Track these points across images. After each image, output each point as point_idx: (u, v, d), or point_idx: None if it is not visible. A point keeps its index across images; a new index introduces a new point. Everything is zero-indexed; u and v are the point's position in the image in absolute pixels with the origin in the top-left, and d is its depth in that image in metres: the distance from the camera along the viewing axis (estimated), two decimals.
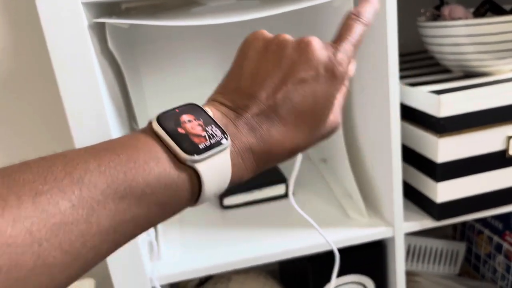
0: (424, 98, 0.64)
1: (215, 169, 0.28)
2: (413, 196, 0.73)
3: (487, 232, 0.94)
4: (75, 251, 0.22)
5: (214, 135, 0.29)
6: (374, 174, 0.73)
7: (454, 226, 1.06)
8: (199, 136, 0.28)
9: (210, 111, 0.31)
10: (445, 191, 0.65)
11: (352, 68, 0.36)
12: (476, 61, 0.67)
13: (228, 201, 0.81)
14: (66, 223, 0.22)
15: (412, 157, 0.70)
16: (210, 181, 0.28)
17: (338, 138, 0.76)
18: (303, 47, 0.33)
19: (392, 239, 0.69)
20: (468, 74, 0.70)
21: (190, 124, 0.29)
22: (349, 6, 0.62)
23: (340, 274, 0.72)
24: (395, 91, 0.62)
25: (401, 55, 0.89)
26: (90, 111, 0.54)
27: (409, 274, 0.95)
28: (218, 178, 0.29)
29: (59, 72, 0.52)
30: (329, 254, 0.72)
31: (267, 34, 0.36)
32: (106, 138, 0.30)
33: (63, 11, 0.50)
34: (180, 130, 0.28)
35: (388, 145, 0.65)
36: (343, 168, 0.77)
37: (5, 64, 0.86)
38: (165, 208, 0.27)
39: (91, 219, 0.23)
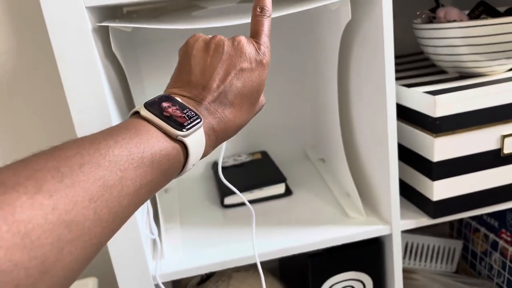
0: (420, 98, 0.66)
1: (196, 143, 0.36)
2: (410, 195, 0.74)
3: (483, 230, 0.95)
4: (114, 210, 0.28)
5: (191, 116, 0.36)
6: (371, 173, 0.74)
7: (451, 224, 1.07)
8: (180, 117, 0.35)
9: (179, 99, 0.38)
10: (441, 190, 0.67)
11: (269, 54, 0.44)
12: (470, 62, 0.68)
13: (229, 200, 0.82)
14: (107, 186, 0.28)
15: (408, 156, 0.72)
16: (193, 152, 0.36)
17: (336, 138, 0.78)
18: (236, 44, 0.41)
19: (389, 236, 0.71)
20: (463, 75, 0.72)
21: (171, 109, 0.36)
22: (346, 9, 0.63)
23: (338, 271, 0.74)
24: (392, 92, 0.63)
25: (397, 56, 0.91)
26: (95, 112, 0.55)
27: (406, 272, 0.97)
28: (197, 150, 0.37)
29: (64, 74, 0.53)
30: (329, 251, 0.73)
31: (204, 36, 0.43)
32: None
33: (68, 15, 0.52)
34: (165, 114, 0.35)
35: (385, 145, 0.66)
36: (341, 168, 0.79)
37: (9, 66, 0.87)
38: (166, 175, 0.34)
39: (122, 183, 0.29)
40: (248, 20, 0.56)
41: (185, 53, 0.42)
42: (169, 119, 0.34)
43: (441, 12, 0.74)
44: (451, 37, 0.67)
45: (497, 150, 0.67)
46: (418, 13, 0.77)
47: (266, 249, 0.67)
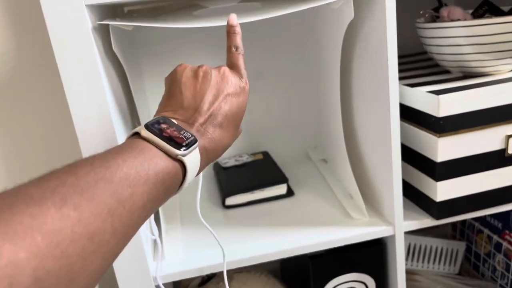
0: (423, 98, 0.65)
1: (193, 161, 0.39)
2: (413, 195, 0.73)
3: (486, 231, 0.95)
4: (127, 223, 0.30)
5: (188, 137, 0.39)
6: (374, 173, 0.74)
7: (454, 225, 1.07)
8: (179, 137, 0.38)
9: (175, 121, 0.41)
10: (444, 190, 0.66)
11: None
12: (474, 61, 0.68)
13: (230, 201, 0.82)
14: (120, 200, 0.30)
15: (411, 157, 0.71)
16: (190, 170, 0.39)
17: (339, 138, 0.77)
18: (222, 73, 0.46)
19: (392, 237, 0.70)
20: (467, 75, 0.71)
21: (169, 130, 0.39)
22: (349, 7, 0.63)
23: (341, 272, 0.73)
24: (395, 91, 0.63)
25: (400, 56, 0.90)
26: (95, 112, 0.55)
27: (409, 273, 0.96)
28: (194, 168, 0.40)
29: (64, 74, 0.53)
30: (330, 252, 0.73)
31: (191, 65, 0.47)
32: (111, 139, 0.35)
33: (68, 14, 0.51)
34: (165, 134, 0.38)
35: (388, 145, 0.66)
36: (344, 169, 0.78)
37: (10, 66, 0.87)
38: (167, 191, 0.36)
39: (133, 198, 0.31)
40: (250, 19, 0.55)
41: (174, 80, 0.46)
42: (168, 140, 0.37)
43: (444, 11, 0.73)
44: (455, 36, 0.66)
45: (501, 150, 0.66)
46: (421, 12, 0.76)
47: (266, 250, 0.67)
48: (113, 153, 0.33)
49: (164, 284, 0.65)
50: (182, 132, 0.39)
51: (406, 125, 0.71)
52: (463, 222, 1.03)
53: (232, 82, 0.46)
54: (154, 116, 0.44)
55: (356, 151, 0.80)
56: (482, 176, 0.67)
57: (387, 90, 0.63)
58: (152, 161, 0.34)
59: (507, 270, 0.89)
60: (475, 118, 0.64)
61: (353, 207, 0.76)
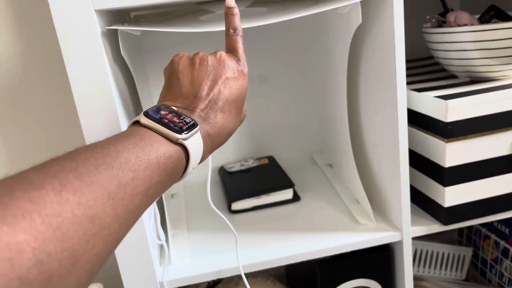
0: (431, 103, 0.65)
1: (195, 145, 0.39)
2: (420, 201, 0.73)
3: (493, 237, 0.94)
4: (129, 208, 0.30)
5: (188, 121, 0.39)
6: (381, 178, 0.73)
7: (461, 231, 1.06)
8: (178, 122, 0.38)
9: (175, 108, 0.41)
10: (452, 196, 0.66)
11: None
12: (482, 66, 0.67)
13: (236, 206, 0.82)
14: (121, 185, 0.30)
15: (419, 162, 0.71)
16: (193, 155, 0.39)
17: (345, 143, 0.77)
18: (218, 58, 0.46)
19: (399, 243, 0.70)
20: (474, 80, 0.71)
21: (169, 116, 0.39)
22: (357, 12, 0.63)
23: (348, 278, 0.73)
24: (403, 96, 0.63)
25: (407, 61, 0.90)
26: (102, 116, 0.55)
27: (416, 279, 0.95)
28: (197, 154, 0.39)
29: (73, 78, 0.53)
30: (338, 258, 0.72)
31: (188, 54, 0.47)
32: None
33: (77, 18, 0.51)
34: (165, 120, 0.38)
35: (396, 150, 0.65)
36: (350, 173, 0.78)
37: (18, 70, 0.87)
38: (171, 176, 0.36)
39: (134, 182, 0.31)
40: (258, 23, 0.55)
41: (172, 70, 0.46)
42: (168, 125, 0.37)
43: (451, 17, 0.73)
44: (462, 41, 0.66)
45: (509, 155, 0.66)
46: (428, 17, 0.76)
47: (273, 255, 0.67)
48: (113, 140, 0.33)
49: None
50: (182, 117, 0.39)
51: (414, 130, 0.70)
52: (470, 227, 1.02)
53: (230, 66, 0.45)
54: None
55: (363, 156, 0.80)
56: (490, 181, 0.66)
57: (395, 95, 0.63)
58: (153, 147, 0.35)
59: None
60: (483, 123, 0.63)
61: (360, 212, 0.75)
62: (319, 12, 0.58)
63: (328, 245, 0.67)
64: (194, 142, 0.39)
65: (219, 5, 0.71)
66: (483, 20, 0.74)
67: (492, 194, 0.67)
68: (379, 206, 0.76)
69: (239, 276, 0.80)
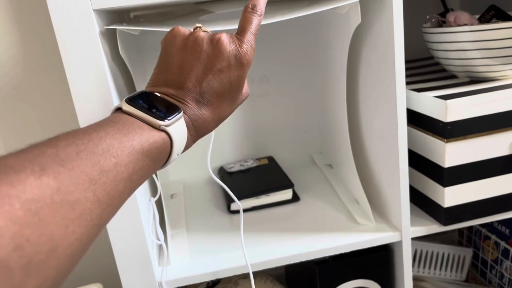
0: (431, 103, 0.64)
1: (178, 132, 0.38)
2: (420, 201, 0.73)
3: (494, 237, 0.94)
4: (111, 194, 0.30)
5: (172, 108, 0.38)
6: (380, 179, 0.73)
7: (461, 231, 1.06)
8: (161, 109, 0.37)
9: (158, 94, 0.40)
10: (452, 196, 0.65)
11: (253, 53, 0.44)
12: (482, 66, 0.67)
13: (235, 206, 0.81)
14: (103, 171, 0.29)
15: (418, 162, 0.71)
16: (177, 141, 0.38)
17: (345, 143, 0.77)
18: (215, 43, 0.41)
19: (399, 243, 0.70)
20: (474, 80, 0.71)
21: (151, 102, 0.38)
22: (356, 12, 0.63)
23: (348, 278, 0.73)
24: (402, 96, 0.62)
25: (406, 61, 0.90)
26: (101, 116, 0.55)
27: (416, 280, 0.95)
28: (180, 140, 0.38)
29: (71, 78, 0.53)
30: (337, 258, 0.72)
31: (183, 31, 0.43)
32: None
33: (76, 18, 0.51)
34: (146, 106, 0.37)
35: (395, 150, 0.65)
36: (350, 174, 0.78)
37: (16, 69, 0.87)
38: (155, 162, 0.36)
39: (117, 168, 0.30)
40: (270, 21, 0.55)
41: (163, 49, 0.43)
42: (150, 111, 0.36)
43: (451, 17, 0.73)
44: (462, 41, 0.66)
45: (509, 156, 0.65)
46: (427, 17, 0.76)
47: (272, 255, 0.66)
48: (95, 126, 0.33)
49: None
50: (165, 104, 0.38)
51: (413, 130, 0.70)
52: (470, 228, 1.02)
53: (226, 54, 0.41)
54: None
55: (362, 156, 0.80)
56: (490, 182, 0.66)
57: (394, 95, 0.63)
58: (136, 133, 0.34)
59: None
60: (483, 123, 0.63)
61: (359, 212, 0.75)
62: (318, 12, 0.58)
63: (328, 246, 0.67)
64: (178, 129, 0.38)
65: (219, 5, 0.70)
66: (483, 20, 0.74)
67: (492, 195, 0.67)
68: (378, 207, 0.76)
69: (238, 276, 0.80)
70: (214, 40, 0.41)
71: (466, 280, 1.01)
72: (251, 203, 0.82)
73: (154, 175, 0.68)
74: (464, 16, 0.72)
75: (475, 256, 1.01)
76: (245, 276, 0.80)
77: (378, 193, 0.75)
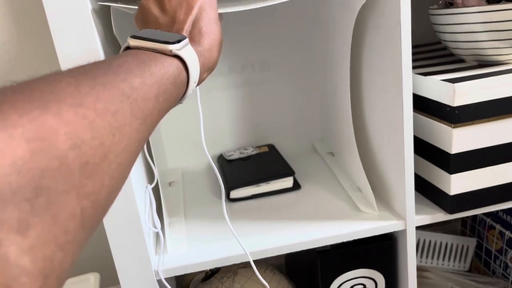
0: (438, 87, 0.62)
1: (190, 56, 0.39)
2: (424, 189, 0.71)
3: (498, 227, 0.92)
4: (144, 109, 0.30)
5: (176, 36, 0.39)
6: (384, 166, 0.71)
7: (464, 221, 1.04)
8: (167, 39, 0.37)
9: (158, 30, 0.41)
10: (458, 183, 0.63)
11: None
12: (490, 49, 0.65)
13: (235, 194, 0.79)
14: (133, 87, 0.29)
15: (423, 149, 0.68)
16: (191, 65, 0.38)
17: (347, 130, 0.74)
18: None
19: (403, 232, 0.68)
20: (482, 64, 0.68)
21: (155, 33, 0.39)
22: None
23: (350, 268, 0.71)
24: (408, 80, 0.60)
25: (412, 46, 0.87)
26: None
27: (418, 270, 0.93)
28: (194, 64, 0.39)
29: (63, 58, 0.51)
30: (339, 247, 0.70)
31: None
32: None
33: None
34: (152, 38, 0.37)
35: (400, 136, 0.63)
36: (352, 161, 0.75)
37: (10, 55, 0.85)
38: (176, 87, 0.36)
39: (144, 87, 0.31)
40: (252, 7, 0.53)
41: (142, 12, 0.46)
42: (159, 40, 0.37)
43: None
44: (470, 23, 0.64)
45: None
46: None
47: (273, 244, 0.64)
48: (110, 59, 0.32)
49: (166, 279, 0.63)
50: (168, 35, 0.39)
51: (418, 116, 0.68)
52: (474, 218, 1.00)
53: None
54: None
55: (366, 144, 0.77)
56: (498, 169, 0.64)
57: (400, 79, 0.60)
58: (151, 60, 0.34)
59: None
60: (492, 108, 0.61)
61: (362, 200, 0.73)
62: None
63: (330, 234, 0.65)
64: (189, 53, 0.39)
65: None
66: (492, 1, 0.71)
67: (500, 182, 0.65)
68: (382, 195, 0.74)
69: (238, 266, 0.78)
70: None
71: (469, 270, 0.99)
72: (251, 191, 0.80)
73: (150, 161, 0.66)
74: None
75: (478, 246, 0.99)
76: (245, 265, 0.79)
77: (382, 181, 0.73)
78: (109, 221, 0.58)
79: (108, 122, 0.25)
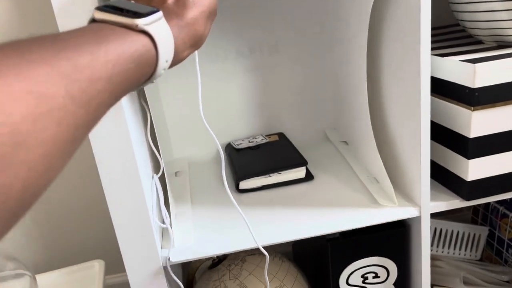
0: (457, 68, 0.60)
1: (161, 32, 0.35)
2: (440, 175, 0.68)
3: None
4: (88, 92, 0.27)
5: (147, 8, 0.35)
6: (399, 151, 0.69)
7: (476, 210, 1.02)
8: (137, 10, 0.34)
9: (132, 1, 0.37)
10: (476, 169, 0.61)
11: None
12: (511, 29, 0.62)
13: (244, 184, 0.76)
14: (76, 66, 0.26)
15: (440, 134, 0.66)
16: (161, 42, 0.35)
17: (363, 117, 0.72)
18: None
19: (417, 219, 0.66)
20: (502, 45, 0.65)
21: (126, 6, 0.34)
22: None
23: (360, 256, 0.69)
24: (427, 63, 0.57)
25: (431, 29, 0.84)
26: None
27: (430, 258, 0.91)
28: (165, 43, 0.36)
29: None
30: (350, 235, 0.68)
31: None
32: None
33: None
34: (120, 9, 0.34)
35: (417, 121, 0.61)
36: (369, 151, 0.73)
37: (11, 36, 0.83)
38: (139, 67, 0.32)
39: (93, 65, 0.27)
40: None
41: None
42: (125, 13, 0.33)
43: None
44: (490, 1, 0.61)
45: None
46: None
47: (283, 231, 0.62)
48: (60, 34, 0.29)
49: (172, 266, 0.61)
50: (141, 7, 0.35)
51: (435, 99, 0.65)
52: (486, 206, 0.98)
53: None
54: None
55: (379, 128, 0.75)
56: None
57: (418, 61, 0.58)
58: (110, 36, 0.31)
59: None
60: None
61: (379, 192, 0.70)
62: None
63: (341, 221, 0.63)
64: (159, 28, 0.35)
65: None
66: None
67: None
68: (396, 180, 0.72)
69: (246, 253, 0.77)
70: None
71: (481, 259, 0.97)
72: (261, 182, 0.77)
73: (155, 151, 0.64)
74: None
75: (490, 235, 0.97)
76: (253, 252, 0.77)
77: (396, 166, 0.71)
78: (116, 212, 0.56)
79: (27, 106, 0.23)
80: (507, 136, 0.60)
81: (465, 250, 0.96)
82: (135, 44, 0.32)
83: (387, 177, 0.67)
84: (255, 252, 0.77)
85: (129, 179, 0.55)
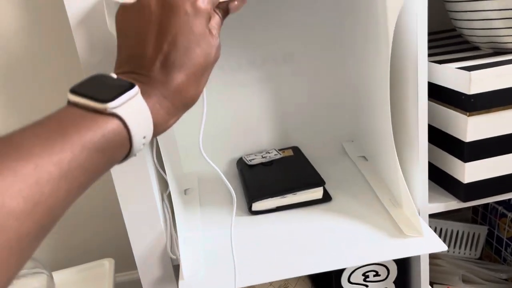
0: (453, 75, 0.62)
1: (135, 112, 0.33)
2: (438, 178, 0.71)
3: (510, 215, 0.92)
4: (35, 199, 0.27)
5: (122, 85, 0.34)
6: (399, 153, 0.71)
7: (475, 209, 1.04)
8: (110, 89, 0.33)
9: (113, 74, 0.36)
10: (473, 171, 0.63)
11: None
12: (507, 37, 0.64)
13: (258, 206, 0.72)
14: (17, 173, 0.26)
15: (437, 137, 0.68)
16: (134, 123, 0.33)
17: (385, 131, 0.67)
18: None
19: None
20: (498, 51, 0.68)
21: (99, 84, 0.34)
22: None
23: None
24: (424, 69, 0.60)
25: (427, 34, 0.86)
26: None
27: (430, 257, 0.94)
28: (141, 121, 0.34)
29: (80, 46, 0.51)
30: None
31: (129, 2, 0.39)
32: None
33: None
34: (92, 91, 0.33)
35: (415, 125, 0.63)
36: (391, 169, 0.68)
37: (23, 43, 0.85)
38: (108, 154, 0.32)
39: (38, 172, 0.27)
40: None
41: (116, 26, 0.40)
42: (94, 96, 0.32)
43: None
44: (486, 10, 0.63)
45: None
46: None
47: (298, 266, 0.58)
48: (26, 131, 0.30)
49: None
50: (116, 84, 0.34)
51: (432, 104, 0.68)
52: (486, 206, 1.00)
53: (177, 7, 0.37)
54: None
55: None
56: None
57: (415, 67, 0.60)
58: (77, 126, 0.30)
59: None
60: (508, 96, 0.60)
61: (402, 218, 0.65)
62: None
63: (363, 254, 0.59)
64: (132, 107, 0.33)
65: None
66: None
67: None
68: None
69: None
70: None
71: (480, 258, 0.99)
72: (275, 203, 0.71)
73: (160, 169, 0.63)
74: None
75: (489, 234, 0.99)
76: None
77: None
78: (134, 237, 0.60)
79: None
80: (501, 140, 0.63)
81: (465, 249, 0.98)
82: (101, 131, 0.31)
83: (412, 201, 0.62)
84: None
85: (143, 198, 0.58)
